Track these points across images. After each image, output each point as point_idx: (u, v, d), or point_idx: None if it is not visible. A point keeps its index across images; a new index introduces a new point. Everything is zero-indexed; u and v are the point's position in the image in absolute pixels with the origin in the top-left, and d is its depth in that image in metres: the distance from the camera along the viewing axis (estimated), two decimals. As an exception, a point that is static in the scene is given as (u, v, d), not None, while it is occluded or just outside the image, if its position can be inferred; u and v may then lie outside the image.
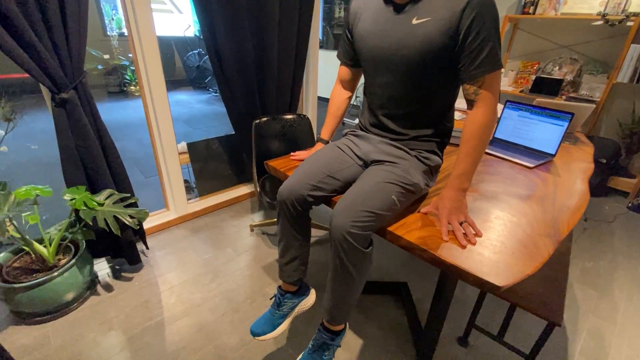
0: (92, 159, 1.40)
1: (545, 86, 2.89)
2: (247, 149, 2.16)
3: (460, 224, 0.84)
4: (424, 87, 0.91)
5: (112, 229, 1.30)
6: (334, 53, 5.43)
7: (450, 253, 0.77)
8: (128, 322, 1.42)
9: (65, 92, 1.28)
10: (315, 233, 2.07)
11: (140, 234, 1.74)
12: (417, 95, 0.93)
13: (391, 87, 0.95)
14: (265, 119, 1.77)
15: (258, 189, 1.74)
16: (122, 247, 1.60)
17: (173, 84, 6.44)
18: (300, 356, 0.99)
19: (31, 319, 1.39)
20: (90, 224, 1.29)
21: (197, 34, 6.21)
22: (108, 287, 1.59)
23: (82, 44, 1.28)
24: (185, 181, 2.45)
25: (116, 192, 1.44)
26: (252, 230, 2.06)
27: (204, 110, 4.93)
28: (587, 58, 2.88)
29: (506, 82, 3.25)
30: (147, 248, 1.82)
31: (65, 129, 1.32)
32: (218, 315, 1.46)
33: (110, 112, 4.65)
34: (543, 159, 1.34)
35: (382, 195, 0.84)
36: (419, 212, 0.94)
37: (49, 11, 1.15)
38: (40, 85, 1.27)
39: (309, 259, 1.11)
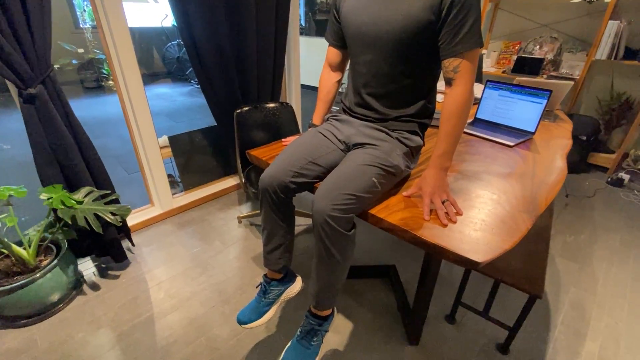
0: (67, 156, 1.35)
1: (527, 66, 2.91)
2: (230, 140, 2.12)
3: (443, 202, 0.84)
4: (407, 64, 0.91)
5: (94, 227, 1.27)
6: (317, 40, 5.35)
7: (431, 232, 0.78)
8: (117, 320, 1.40)
9: (33, 87, 1.22)
10: (304, 221, 2.07)
11: (125, 231, 1.71)
12: (400, 72, 0.93)
13: (375, 65, 0.94)
14: (246, 108, 1.74)
15: (243, 180, 1.72)
16: (106, 245, 1.57)
17: (154, 77, 6.26)
18: (289, 344, 1.00)
19: (16, 322, 1.36)
20: (70, 223, 1.25)
21: (175, 24, 6.02)
22: (94, 286, 1.57)
23: (47, 36, 1.22)
24: (170, 176, 2.41)
25: (95, 190, 1.40)
26: (240, 222, 2.05)
27: (187, 103, 4.82)
28: (566, 36, 2.91)
29: (489, 63, 3.27)
30: (133, 245, 1.80)
31: (36, 126, 1.27)
32: (208, 308, 1.46)
33: (88, 108, 4.50)
34: (523, 137, 1.36)
35: (362, 178, 0.84)
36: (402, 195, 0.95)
37: (9, 2, 1.09)
38: (7, 81, 1.21)
39: (294, 246, 1.11)
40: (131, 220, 1.93)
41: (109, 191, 1.43)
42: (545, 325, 1.40)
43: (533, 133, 1.38)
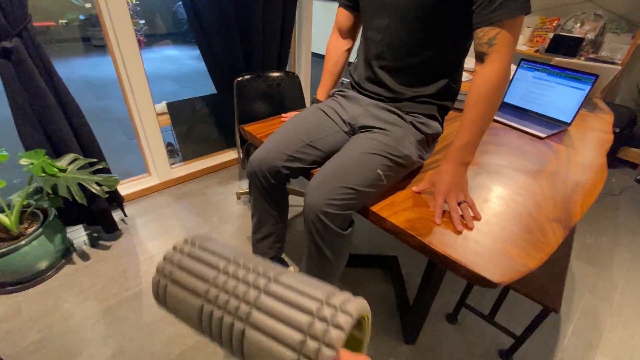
0: (50, 119, 1.25)
1: (563, 46, 2.62)
2: (231, 110, 1.98)
3: (459, 204, 0.71)
4: (430, 32, 0.75)
5: (76, 198, 1.19)
6: (334, 5, 4.99)
7: (442, 240, 0.66)
8: (104, 293, 1.36)
9: (8, 40, 1.10)
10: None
11: (118, 202, 1.64)
12: (420, 43, 0.77)
13: (391, 32, 0.78)
14: (248, 76, 1.59)
15: (241, 156, 1.60)
16: (96, 215, 1.50)
17: (161, 37, 6.03)
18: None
19: (2, 288, 1.33)
20: (50, 192, 1.17)
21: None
22: (84, 256, 1.52)
23: (22, -20, 1.08)
24: (170, 144, 2.31)
25: (81, 157, 1.31)
26: (238, 198, 1.96)
27: (196, 67, 4.63)
28: (612, 14, 2.59)
29: (520, 40, 2.97)
30: (126, 216, 1.73)
31: (14, 84, 1.16)
32: (198, 287, 1.40)
33: (94, 68, 4.37)
34: (557, 128, 1.19)
35: (366, 169, 0.71)
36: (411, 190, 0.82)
37: None
38: (-20, 31, 1.09)
39: (290, 227, 1.01)
40: (126, 189, 1.86)
41: (96, 159, 1.33)
42: (554, 333, 1.30)
43: (569, 124, 1.21)
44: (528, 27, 2.95)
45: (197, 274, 0.40)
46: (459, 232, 0.68)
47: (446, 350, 1.21)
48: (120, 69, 1.59)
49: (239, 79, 1.56)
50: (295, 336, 0.33)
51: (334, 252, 0.74)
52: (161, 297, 0.42)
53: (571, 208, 0.77)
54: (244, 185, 2.08)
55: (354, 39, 1.01)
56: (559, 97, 1.22)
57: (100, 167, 1.34)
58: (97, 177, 1.29)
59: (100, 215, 1.50)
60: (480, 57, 0.69)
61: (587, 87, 1.15)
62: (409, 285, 1.45)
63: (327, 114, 0.89)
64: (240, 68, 1.81)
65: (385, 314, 1.32)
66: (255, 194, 0.88)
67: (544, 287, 1.00)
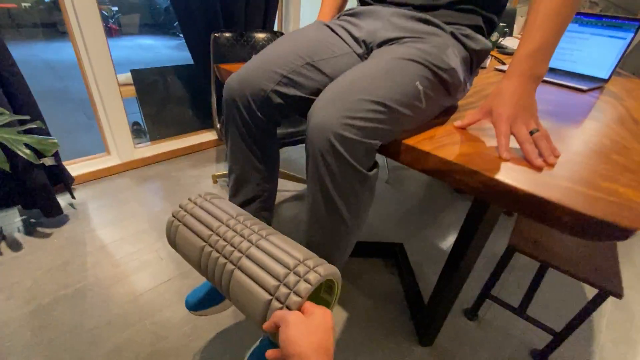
0: (-37, 59, 0.96)
1: (560, 33, 2.54)
2: (209, 84, 1.72)
3: (531, 133, 0.49)
4: None
5: (-6, 160, 0.90)
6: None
7: (518, 178, 0.43)
8: (35, 290, 1.06)
9: None
10: (294, 186, 1.71)
11: (64, 181, 1.34)
12: None
13: None
14: (228, 35, 1.34)
15: (218, 125, 1.35)
16: (32, 192, 1.19)
17: (139, 27, 5.67)
18: (257, 343, 0.66)
19: None
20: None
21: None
22: (15, 245, 1.21)
23: None
24: (136, 123, 2.02)
25: (7, 112, 1.01)
26: (215, 181, 1.69)
27: (172, 56, 4.33)
28: (608, 3, 2.54)
29: (515, 29, 2.88)
30: (73, 198, 1.43)
31: None
32: (160, 282, 1.12)
33: (59, 52, 4.00)
34: (594, 83, 1.02)
35: (401, 79, 0.48)
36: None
37: None
38: None
39: (275, 207, 0.76)
40: (78, 169, 1.55)
41: (28, 117, 1.04)
42: (587, 329, 1.11)
43: (606, 80, 1.04)
44: (522, 17, 2.86)
45: (204, 222, 0.54)
46: (539, 169, 0.46)
47: (469, 352, 0.99)
48: (70, 18, 1.31)
49: (217, 34, 1.32)
50: (272, 282, 0.44)
51: (349, 204, 0.50)
52: (172, 236, 0.59)
53: (664, 150, 0.58)
54: (222, 168, 1.81)
55: None
56: (593, 50, 1.05)
57: (34, 126, 1.04)
58: (27, 138, 0.99)
59: (38, 192, 1.20)
60: None
61: (630, 35, 0.99)
62: (418, 276, 1.22)
63: (334, 31, 0.66)
64: (219, 27, 1.56)
65: (393, 310, 1.09)
66: (233, 135, 0.63)
67: (600, 269, 0.80)
